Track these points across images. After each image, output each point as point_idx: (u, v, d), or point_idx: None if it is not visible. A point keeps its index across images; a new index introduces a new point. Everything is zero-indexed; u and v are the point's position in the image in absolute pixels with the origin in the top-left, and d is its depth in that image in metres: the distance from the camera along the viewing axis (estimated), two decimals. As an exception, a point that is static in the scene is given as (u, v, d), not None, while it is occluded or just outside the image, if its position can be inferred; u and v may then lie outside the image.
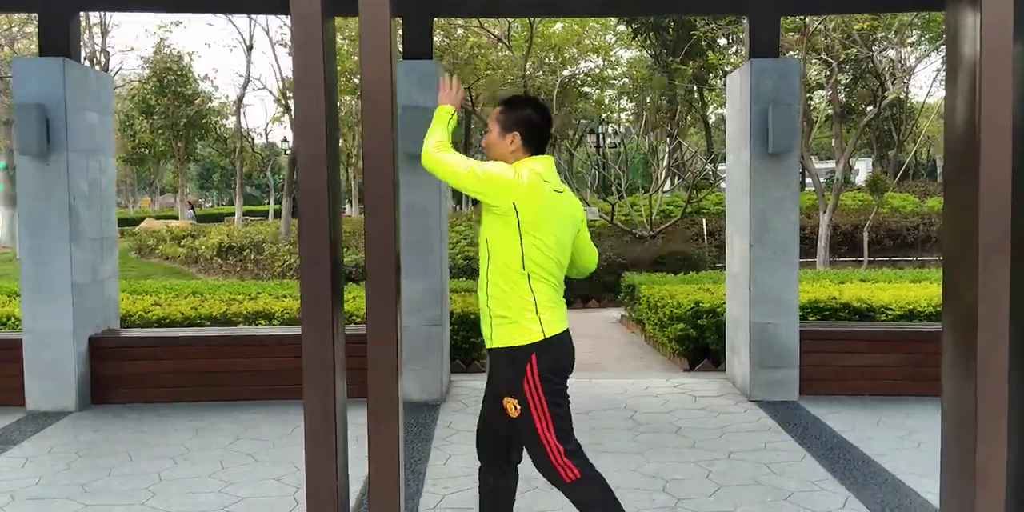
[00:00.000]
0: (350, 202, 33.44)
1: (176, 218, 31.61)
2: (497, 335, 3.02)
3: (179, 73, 29.08)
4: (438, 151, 3.01)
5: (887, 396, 6.15)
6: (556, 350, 3.01)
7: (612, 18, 21.32)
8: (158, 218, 31.58)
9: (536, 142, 3.11)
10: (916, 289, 7.84)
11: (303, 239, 3.06)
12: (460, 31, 19.46)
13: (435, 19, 7.36)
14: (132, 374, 6.25)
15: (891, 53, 14.55)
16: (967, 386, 2.98)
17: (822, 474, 4.55)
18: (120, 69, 29.63)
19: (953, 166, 3.06)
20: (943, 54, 17.04)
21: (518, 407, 2.99)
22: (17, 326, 6.83)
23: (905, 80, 15.68)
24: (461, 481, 4.45)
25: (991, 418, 2.95)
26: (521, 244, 2.95)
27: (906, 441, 5.14)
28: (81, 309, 6.06)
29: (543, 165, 3.06)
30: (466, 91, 19.07)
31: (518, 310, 2.98)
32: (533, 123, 3.10)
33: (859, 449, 4.99)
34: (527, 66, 18.95)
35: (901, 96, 16.96)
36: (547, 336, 2.98)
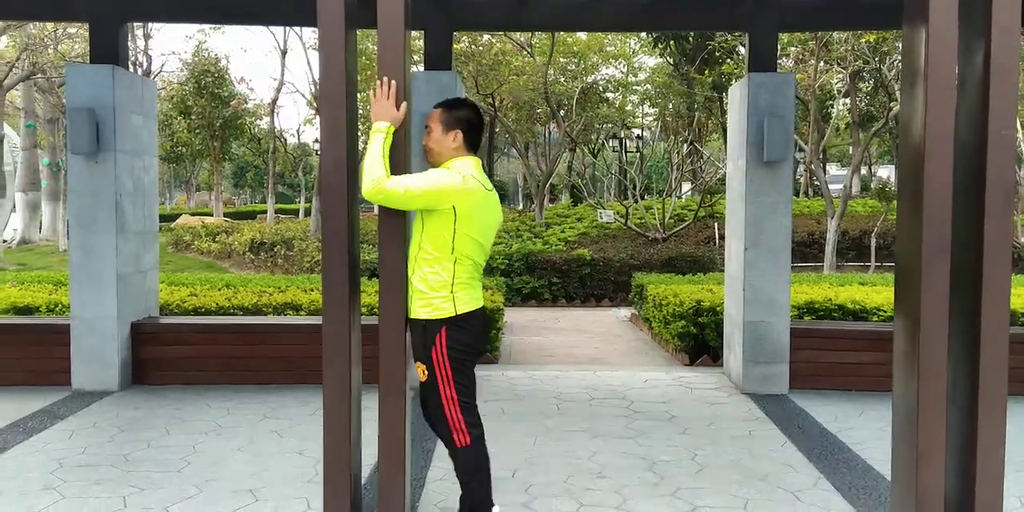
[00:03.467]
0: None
1: (211, 215, 32.37)
2: (414, 308, 3.44)
3: (216, 75, 29.82)
4: (378, 185, 3.24)
5: (873, 391, 6.51)
6: (464, 326, 3.44)
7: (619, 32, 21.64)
8: (193, 215, 32.36)
9: (474, 139, 3.53)
10: (911, 293, 8.15)
11: (326, 237, 3.50)
12: (486, 37, 19.91)
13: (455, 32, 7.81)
14: (170, 358, 6.77)
15: (900, 65, 14.79)
16: (912, 377, 3.37)
17: (799, 459, 4.93)
18: (161, 71, 30.46)
19: (905, 175, 3.42)
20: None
21: (426, 373, 3.45)
22: (64, 312, 7.39)
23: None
24: (466, 457, 4.88)
25: (932, 404, 3.35)
26: (454, 234, 3.36)
27: (883, 432, 5.49)
28: (124, 297, 6.58)
29: (475, 166, 3.47)
30: (471, 85, 19.38)
31: (436, 287, 3.40)
32: (472, 122, 3.52)
33: (838, 438, 5.37)
34: (549, 72, 19.36)
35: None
36: (457, 313, 3.41)
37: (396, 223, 3.46)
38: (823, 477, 4.62)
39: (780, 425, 5.67)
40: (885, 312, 7.39)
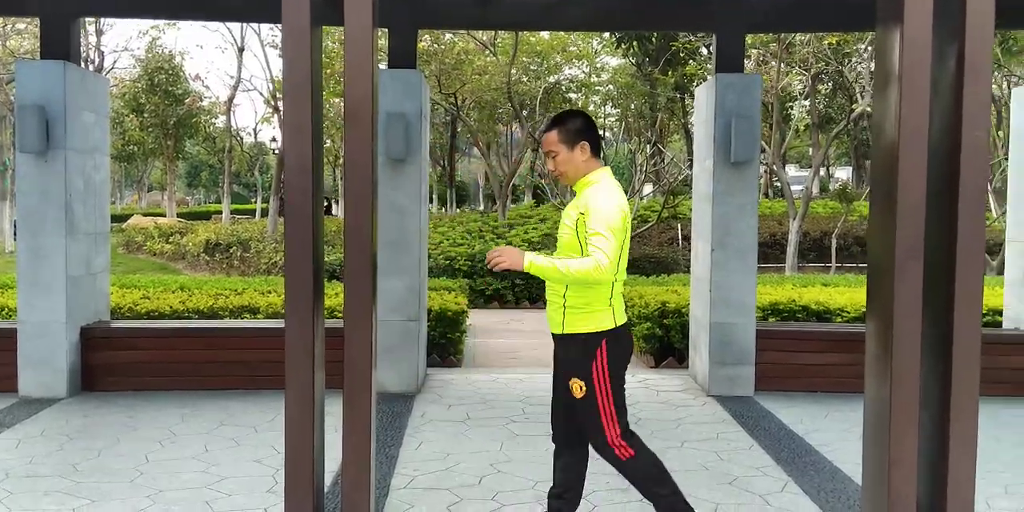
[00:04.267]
0: (336, 202, 33.66)
1: (164, 215, 31.78)
2: (570, 322, 3.33)
3: (170, 73, 29.28)
4: (600, 265, 3.11)
5: (838, 392, 6.51)
6: (622, 338, 3.36)
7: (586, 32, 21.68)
8: (146, 215, 31.73)
9: (596, 145, 3.43)
10: (873, 294, 8.22)
11: (288, 238, 3.37)
12: (448, 36, 19.78)
13: (419, 30, 7.69)
14: (121, 363, 6.54)
15: (861, 68, 14.97)
16: (884, 380, 3.33)
17: (767, 461, 4.90)
18: (113, 68, 29.81)
19: (877, 177, 3.39)
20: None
21: (583, 388, 3.32)
22: (11, 316, 7.12)
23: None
24: (431, 464, 4.78)
25: (904, 408, 3.30)
26: (620, 253, 3.25)
27: (850, 434, 5.49)
28: (74, 301, 6.35)
29: (609, 174, 3.39)
30: (434, 85, 19.26)
31: (595, 302, 3.30)
32: (590, 128, 3.43)
33: (804, 440, 5.35)
34: (512, 72, 19.29)
35: (869, 108, 17.37)
36: (617, 324, 3.34)
37: (362, 224, 3.34)
38: (791, 480, 4.58)
39: (747, 427, 5.64)
40: (849, 313, 7.42)
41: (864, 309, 7.40)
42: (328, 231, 15.10)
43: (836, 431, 5.55)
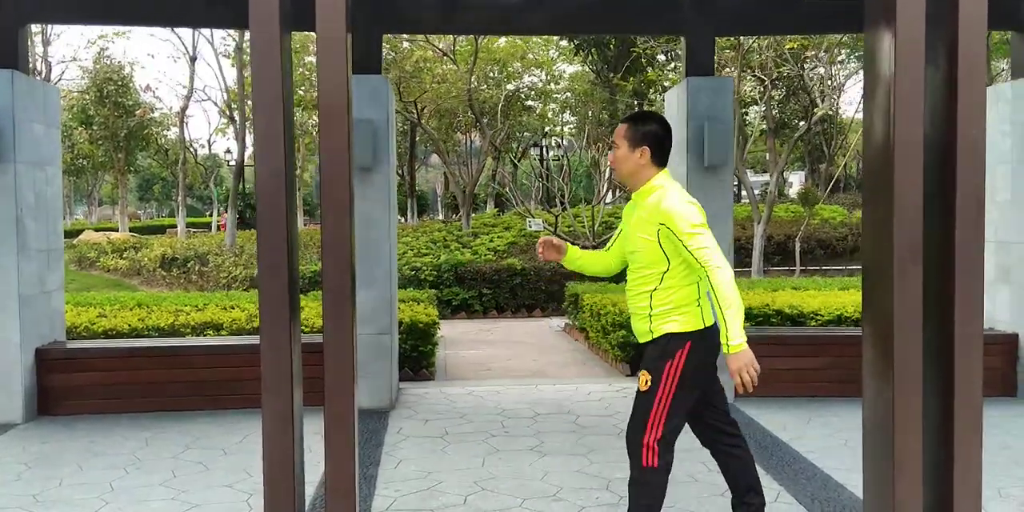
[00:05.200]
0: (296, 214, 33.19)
1: (116, 230, 31.02)
2: (657, 327, 3.23)
3: (120, 83, 28.61)
4: (725, 270, 3.13)
5: (817, 397, 6.46)
6: (710, 341, 3.23)
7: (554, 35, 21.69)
8: (97, 230, 30.95)
9: (662, 155, 3.32)
10: (844, 296, 8.21)
11: (262, 250, 3.18)
12: (406, 45, 19.60)
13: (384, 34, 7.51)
14: (79, 386, 6.24)
15: (821, 71, 15.14)
16: (885, 384, 3.24)
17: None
18: (61, 79, 29.08)
19: (871, 180, 3.31)
20: (871, 72, 17.77)
21: (648, 383, 3.20)
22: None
23: (834, 97, 16.32)
24: (412, 484, 4.59)
25: (907, 413, 3.21)
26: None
27: (834, 439, 5.43)
28: (28, 321, 6.05)
29: (669, 177, 3.31)
30: (394, 92, 19.16)
31: (682, 304, 3.21)
32: (659, 137, 3.31)
33: (790, 447, 5.26)
34: (472, 80, 19.17)
35: (830, 112, 17.61)
36: (706, 325, 3.21)
37: (342, 230, 3.17)
38: (783, 490, 4.48)
39: (732, 436, 5.54)
40: (823, 316, 7.38)
41: (839, 313, 7.40)
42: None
43: (821, 437, 5.48)
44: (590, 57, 20.95)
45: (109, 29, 27.82)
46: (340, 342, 3.17)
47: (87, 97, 28.79)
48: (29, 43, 22.77)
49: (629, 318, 7.58)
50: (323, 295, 3.14)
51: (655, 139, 3.30)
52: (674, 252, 3.21)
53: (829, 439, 5.42)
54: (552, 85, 25.91)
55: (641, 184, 3.32)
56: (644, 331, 3.30)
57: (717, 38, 7.75)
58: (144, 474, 4.80)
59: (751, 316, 7.54)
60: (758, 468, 4.78)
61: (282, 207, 3.15)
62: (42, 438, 5.59)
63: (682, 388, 3.21)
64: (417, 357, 7.59)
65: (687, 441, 5.32)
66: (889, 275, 3.19)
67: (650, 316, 3.26)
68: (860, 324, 7.04)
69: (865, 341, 3.40)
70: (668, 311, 3.23)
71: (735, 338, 3.08)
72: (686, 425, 3.44)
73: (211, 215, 34.85)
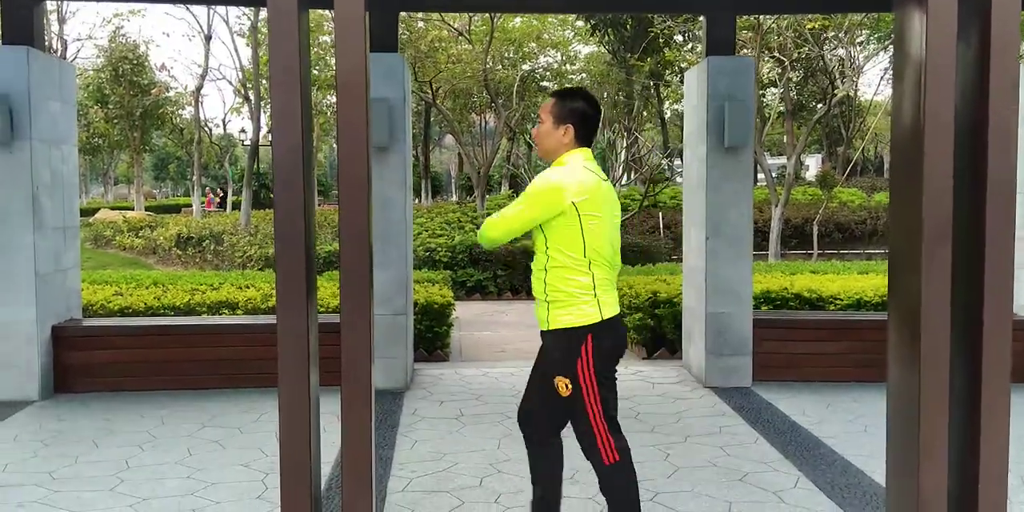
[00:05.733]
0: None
1: (131, 208, 31.13)
2: (554, 317, 3.13)
3: (135, 62, 28.59)
4: (484, 226, 3.14)
5: (836, 382, 6.40)
6: (611, 331, 3.13)
7: (571, 14, 21.47)
8: (113, 209, 31.07)
9: (586, 134, 3.22)
10: (863, 280, 8.13)
11: (279, 229, 3.14)
12: (420, 24, 19.45)
13: (400, 13, 7.42)
14: (95, 363, 6.26)
15: (841, 52, 14.91)
16: (911, 369, 3.17)
17: (775, 456, 4.75)
18: (76, 57, 29.09)
19: (899, 162, 3.23)
20: (891, 53, 17.43)
21: (569, 386, 3.10)
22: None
23: (854, 78, 16.10)
24: (427, 465, 4.57)
25: (933, 403, 3.14)
26: (583, 234, 3.07)
27: (854, 424, 5.37)
28: (44, 299, 6.05)
29: (585, 157, 3.19)
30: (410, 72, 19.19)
31: (576, 294, 3.09)
32: (586, 115, 3.21)
33: (810, 432, 5.21)
34: (487, 60, 19.03)
35: (850, 94, 17.39)
36: (604, 318, 3.11)
37: (360, 209, 3.12)
38: (803, 475, 4.44)
39: (749, 420, 5.50)
40: (842, 301, 7.30)
41: (859, 297, 7.32)
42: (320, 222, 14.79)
43: (840, 422, 5.43)
44: (606, 37, 20.72)
45: (124, 7, 27.76)
46: (357, 322, 3.13)
47: (103, 76, 28.78)
48: (45, 21, 22.75)
49: (646, 300, 7.53)
50: (340, 275, 3.10)
51: (581, 117, 3.20)
52: (549, 225, 3.11)
53: (849, 425, 5.37)
54: (568, 66, 25.70)
55: (555, 157, 3.24)
56: (542, 319, 3.19)
57: (737, 17, 7.62)
58: (160, 452, 4.81)
59: (769, 299, 7.48)
60: (777, 452, 4.79)
61: (300, 185, 3.10)
62: (59, 415, 5.61)
63: (601, 379, 3.13)
64: (432, 338, 7.56)
65: (703, 426, 5.30)
66: (916, 258, 3.12)
67: (547, 303, 3.15)
68: (880, 308, 7.00)
69: (891, 325, 3.33)
70: (564, 301, 3.11)
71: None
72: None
73: (222, 194, 34.88)
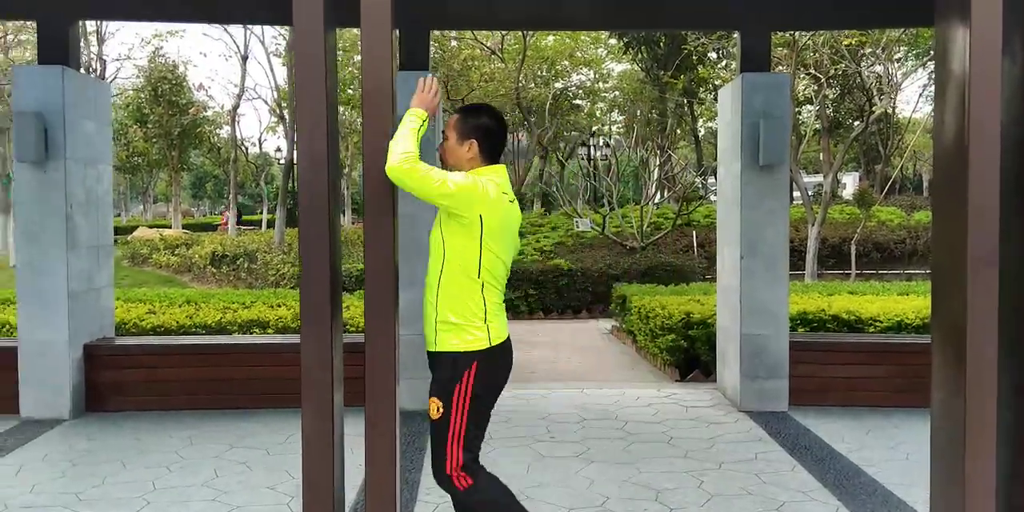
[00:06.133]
0: (343, 212, 33.41)
1: (169, 227, 31.55)
2: (442, 340, 3.04)
3: (174, 82, 29.08)
4: (407, 163, 2.89)
5: (876, 407, 6.21)
6: (498, 359, 3.06)
7: (604, 32, 21.47)
8: (151, 226, 31.51)
9: (491, 150, 3.14)
10: (904, 302, 7.92)
11: (303, 249, 3.10)
12: (454, 43, 19.56)
13: (431, 31, 7.43)
14: (127, 382, 6.26)
15: (878, 69, 14.70)
16: (956, 397, 3.03)
17: (813, 484, 4.59)
18: (116, 77, 29.64)
19: (942, 180, 3.12)
20: (930, 70, 17.16)
21: (440, 410, 3.03)
22: (12, 333, 6.84)
23: (892, 95, 15.87)
24: (455, 489, 4.47)
25: (980, 429, 3.01)
26: (480, 253, 2.99)
27: (895, 452, 5.19)
28: (77, 317, 6.07)
29: (499, 175, 3.10)
30: (442, 91, 19.19)
31: (468, 316, 3.01)
32: (490, 130, 3.14)
33: (848, 459, 5.04)
34: (520, 78, 19.05)
35: (888, 111, 17.14)
36: (492, 344, 3.03)
37: (385, 228, 3.08)
38: (842, 506, 4.28)
39: (786, 446, 5.34)
40: (882, 323, 7.11)
41: (899, 319, 7.12)
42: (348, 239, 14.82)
43: (881, 449, 5.25)
44: (639, 55, 20.66)
45: (163, 28, 28.30)
46: (382, 343, 3.07)
47: (142, 96, 29.29)
48: (84, 42, 23.20)
49: (679, 321, 7.38)
50: (365, 294, 3.05)
51: (484, 132, 3.11)
52: (451, 231, 3.01)
53: (890, 452, 5.19)
54: (601, 83, 25.68)
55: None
56: (430, 340, 3.10)
57: (772, 34, 7.53)
58: (187, 473, 4.77)
59: (806, 321, 7.31)
60: (815, 480, 4.63)
61: (324, 205, 3.07)
62: (88, 435, 5.60)
63: (475, 407, 3.02)
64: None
65: (738, 452, 5.15)
66: (961, 278, 3.00)
67: (436, 323, 3.05)
68: (922, 331, 6.80)
69: (935, 351, 3.20)
70: (454, 324, 3.02)
71: (410, 119, 3.04)
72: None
73: (261, 213, 35.13)
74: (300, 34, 3.05)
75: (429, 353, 3.11)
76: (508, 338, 3.12)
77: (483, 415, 3.08)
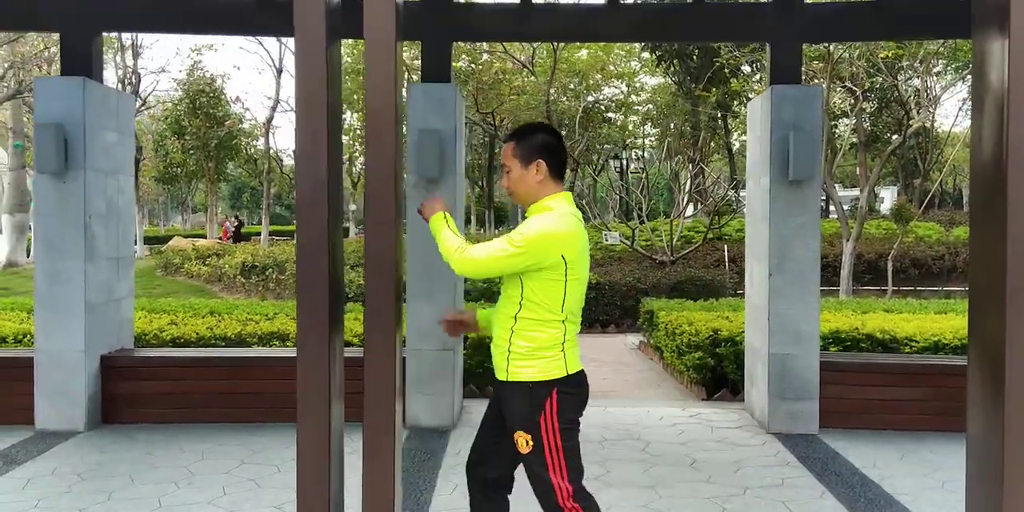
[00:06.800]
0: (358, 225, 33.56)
1: (204, 237, 31.87)
2: (515, 369, 2.91)
3: (211, 95, 29.44)
4: (465, 252, 2.86)
5: (910, 431, 5.96)
6: (575, 387, 2.93)
7: (636, 45, 21.34)
8: (187, 237, 31.86)
9: (559, 166, 3.01)
10: (941, 320, 7.64)
11: (300, 260, 3.00)
12: (485, 56, 19.54)
13: (456, 43, 7.35)
14: (144, 394, 6.21)
15: (916, 82, 14.37)
16: (994, 427, 2.83)
17: (841, 512, 4.39)
18: (154, 90, 30.11)
19: (980, 196, 2.94)
20: (969, 83, 16.78)
21: (530, 443, 2.88)
22: (31, 344, 6.83)
23: (930, 109, 15.52)
24: (466, 512, 4.33)
25: (1020, 466, 2.81)
26: (565, 290, 2.87)
27: (929, 479, 4.96)
28: (94, 329, 6.04)
29: (567, 201, 2.97)
30: (472, 103, 19.15)
31: (545, 346, 2.89)
32: (552, 146, 3.01)
33: (880, 487, 4.82)
34: (551, 92, 18.97)
35: (926, 125, 16.77)
36: (570, 372, 2.90)
37: (385, 241, 2.96)
38: (872, 536, 4.07)
39: (815, 471, 5.12)
40: (918, 343, 6.85)
41: (936, 339, 6.86)
42: (349, 252, 14.79)
43: (915, 476, 5.01)
44: (672, 68, 20.49)
45: (201, 41, 28.63)
46: (382, 362, 2.95)
47: (180, 108, 29.69)
48: (119, 57, 23.53)
49: (706, 338, 7.19)
50: (365, 307, 2.94)
51: (547, 150, 2.97)
52: (531, 276, 2.86)
53: (924, 479, 4.95)
54: (633, 97, 25.51)
55: (534, 202, 2.98)
56: (501, 369, 2.95)
57: (804, 46, 7.34)
58: (195, 490, 4.68)
59: (839, 340, 7.07)
60: (845, 509, 4.41)
61: (323, 216, 2.96)
62: (101, 448, 5.55)
63: (565, 433, 2.87)
64: (483, 373, 7.34)
65: (764, 476, 4.93)
66: (1000, 297, 2.80)
67: (508, 352, 2.91)
68: (960, 352, 6.54)
69: (971, 376, 3.01)
70: (529, 354, 2.89)
71: (438, 223, 2.98)
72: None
73: (238, 224, 35.30)
74: (302, 44, 2.95)
75: (500, 382, 2.98)
76: (583, 370, 2.99)
77: (574, 442, 2.92)
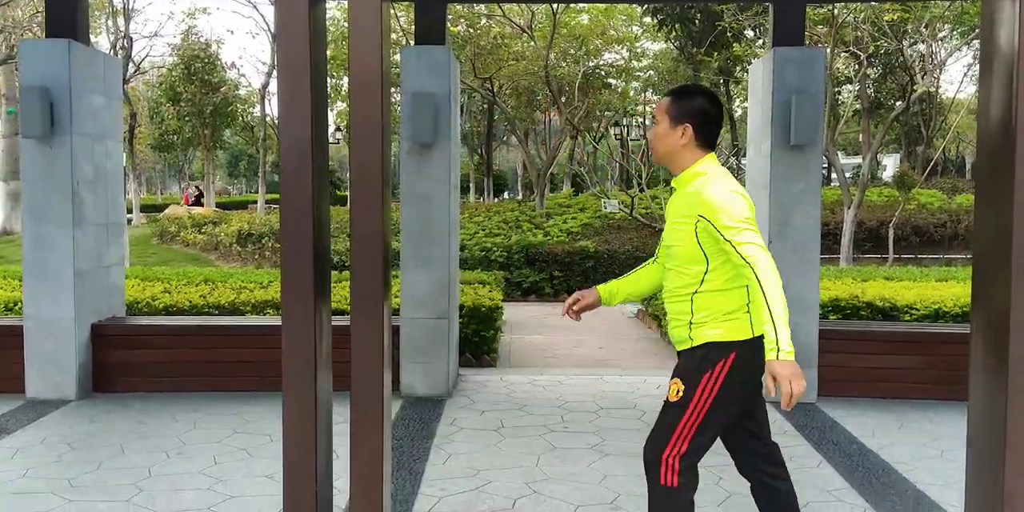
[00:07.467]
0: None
1: (202, 204, 31.71)
2: (698, 334, 2.79)
3: (206, 61, 29.06)
4: (767, 267, 2.63)
5: (909, 399, 5.91)
6: (756, 354, 2.71)
7: (637, 9, 20.99)
8: (182, 205, 31.69)
9: (709, 135, 2.88)
10: (942, 288, 7.57)
11: (284, 227, 2.90)
12: (484, 20, 19.22)
13: (451, 5, 7.16)
14: (135, 363, 6.15)
15: (921, 47, 14.15)
16: (997, 396, 2.76)
17: (839, 483, 4.33)
18: (147, 55, 29.72)
19: (986, 162, 2.84)
20: (975, 49, 16.52)
21: (680, 393, 2.77)
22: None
23: (935, 75, 15.30)
24: (460, 483, 4.29)
25: (1022, 436, 2.75)
26: None
27: (929, 448, 4.91)
28: (83, 296, 5.96)
29: (715, 162, 2.88)
30: (469, 68, 18.86)
31: (730, 311, 2.78)
32: (707, 113, 2.87)
33: (879, 456, 4.77)
34: (550, 56, 18.69)
35: (931, 91, 16.56)
36: (755, 334, 2.75)
37: (371, 227, 2.86)
38: (870, 507, 4.01)
39: (812, 441, 5.07)
40: (918, 311, 6.78)
41: (937, 307, 6.79)
42: (338, 219, 14.68)
43: (913, 445, 4.96)
44: (674, 32, 20.18)
45: (191, 4, 28.15)
46: (367, 325, 2.87)
47: (174, 74, 29.32)
48: (112, 21, 23.16)
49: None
50: (351, 277, 2.85)
51: (701, 116, 2.84)
52: (715, 251, 2.74)
53: (923, 448, 4.90)
54: (634, 62, 25.19)
55: (682, 169, 2.87)
56: (683, 338, 2.85)
57: (809, 9, 7.15)
58: (185, 460, 4.63)
59: (838, 308, 7.00)
60: (842, 479, 4.36)
61: (308, 183, 2.86)
62: (91, 417, 5.50)
63: (720, 403, 2.74)
64: (479, 342, 7.29)
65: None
66: (1005, 264, 2.72)
67: (690, 324, 2.80)
68: (960, 320, 6.47)
69: (973, 339, 2.93)
70: (711, 317, 2.77)
71: (787, 345, 2.57)
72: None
73: (198, 192, 35.11)
74: (283, 7, 2.82)
75: (681, 352, 2.86)
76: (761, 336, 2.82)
77: (719, 419, 2.80)
